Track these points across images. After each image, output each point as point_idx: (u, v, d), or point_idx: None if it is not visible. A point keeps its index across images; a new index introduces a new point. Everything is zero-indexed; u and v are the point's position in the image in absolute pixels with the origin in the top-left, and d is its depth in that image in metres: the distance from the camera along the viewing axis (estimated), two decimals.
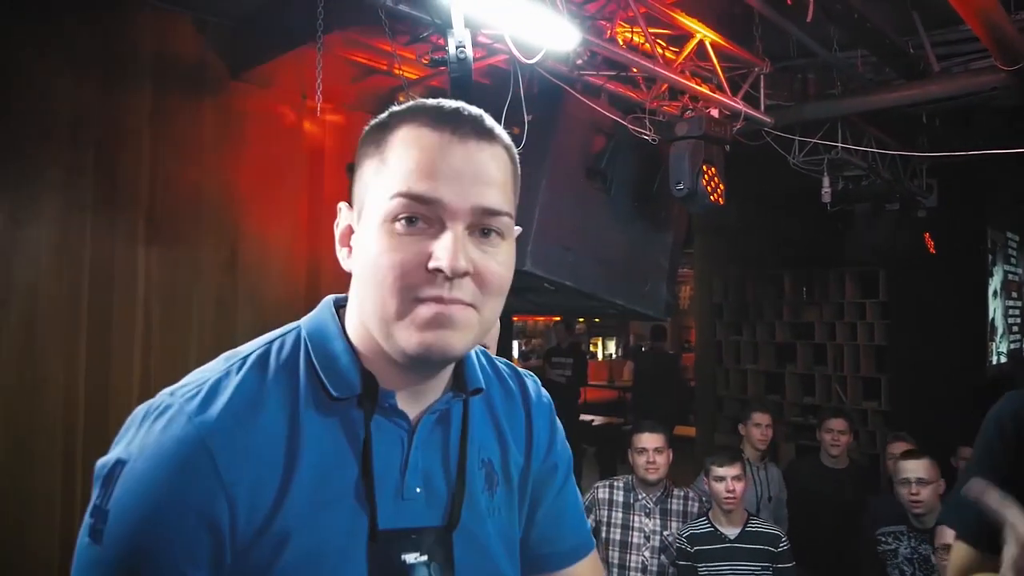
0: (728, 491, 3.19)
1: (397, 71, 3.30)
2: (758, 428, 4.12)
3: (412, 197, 0.75)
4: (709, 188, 3.01)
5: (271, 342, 0.83)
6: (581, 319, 12.34)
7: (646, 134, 3.23)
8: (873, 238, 5.00)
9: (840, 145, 4.01)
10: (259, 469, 0.74)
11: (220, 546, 0.71)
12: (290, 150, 4.17)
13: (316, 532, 0.75)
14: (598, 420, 8.97)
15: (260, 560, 0.73)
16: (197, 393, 0.76)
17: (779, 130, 3.89)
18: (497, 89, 3.00)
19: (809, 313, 7.50)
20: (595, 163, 3.32)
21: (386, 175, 0.77)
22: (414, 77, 3.67)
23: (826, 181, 4.20)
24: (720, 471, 3.22)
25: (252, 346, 0.83)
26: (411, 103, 0.81)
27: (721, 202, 3.08)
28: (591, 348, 14.72)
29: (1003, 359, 9.51)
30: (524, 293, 3.50)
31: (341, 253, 0.84)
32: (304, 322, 0.86)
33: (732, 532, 3.23)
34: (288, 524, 0.74)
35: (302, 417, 0.78)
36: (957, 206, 6.15)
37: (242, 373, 0.78)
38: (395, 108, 0.81)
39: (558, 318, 8.89)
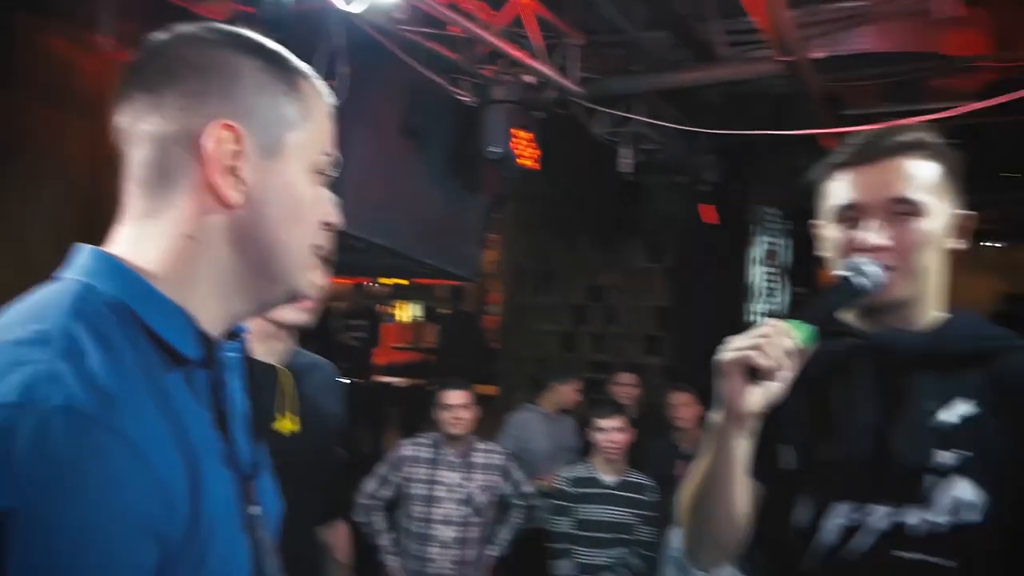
0: (609, 441, 3.45)
1: (196, 9, 3.00)
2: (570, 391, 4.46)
3: (332, 160, 0.85)
4: (522, 153, 3.08)
5: (68, 313, 0.68)
6: (383, 280, 12.22)
7: (463, 95, 3.22)
8: (663, 208, 5.41)
9: (642, 119, 4.27)
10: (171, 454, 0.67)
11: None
12: (73, 90, 3.66)
13: (213, 504, 0.71)
14: (400, 382, 9.00)
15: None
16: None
17: (588, 101, 4.06)
18: (309, 37, 2.83)
19: (603, 276, 7.99)
20: (412, 122, 3.27)
21: (312, 128, 0.83)
22: (217, 17, 3.35)
23: (626, 152, 4.47)
24: (602, 423, 3.49)
25: (45, 322, 0.67)
26: (300, 64, 0.85)
27: (536, 167, 3.17)
28: (394, 311, 14.63)
29: (758, 318, 10.81)
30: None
31: (225, 180, 0.77)
32: (93, 279, 0.73)
33: (612, 480, 3.47)
34: (203, 503, 0.69)
35: (159, 385, 0.71)
36: (731, 182, 6.85)
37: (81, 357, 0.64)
38: (289, 56, 0.84)
39: (367, 280, 8.75)
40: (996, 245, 13.56)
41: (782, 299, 12.40)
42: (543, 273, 8.23)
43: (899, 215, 1.17)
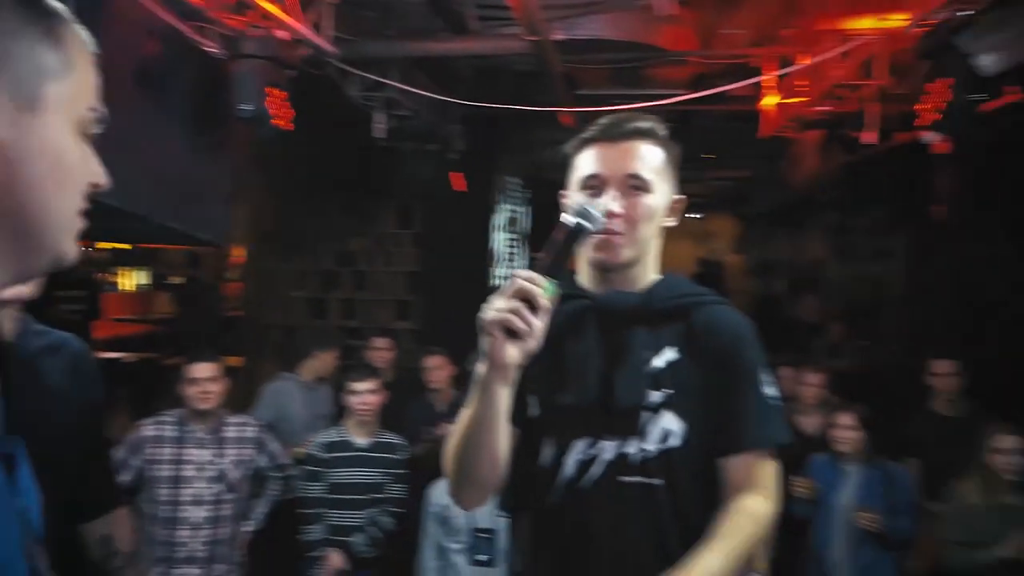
0: (361, 403, 3.46)
1: None
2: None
3: (97, 116, 0.79)
4: (275, 112, 2.95)
5: None
6: (101, 245, 10.92)
7: (210, 46, 3.00)
8: (415, 174, 5.50)
9: (395, 85, 4.28)
10: None
11: None
12: None
13: None
14: (128, 357, 8.17)
15: None
16: None
17: (341, 63, 3.98)
18: None
19: (354, 242, 7.92)
20: (148, 69, 2.97)
21: (76, 79, 0.76)
22: None
23: (379, 117, 4.46)
24: (355, 386, 3.48)
25: None
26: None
27: (290, 127, 3.05)
28: (116, 279, 13.13)
29: (500, 282, 11.46)
30: None
31: None
32: None
33: (364, 442, 3.49)
34: None
35: None
36: (478, 152, 7.13)
37: None
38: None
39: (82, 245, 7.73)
40: (696, 216, 15.76)
41: (520, 264, 13.27)
42: (291, 238, 7.93)
43: (631, 189, 1.38)
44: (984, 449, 3.13)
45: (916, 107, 2.62)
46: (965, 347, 4.49)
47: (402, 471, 3.58)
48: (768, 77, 4.80)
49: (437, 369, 4.35)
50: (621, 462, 1.38)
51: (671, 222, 1.48)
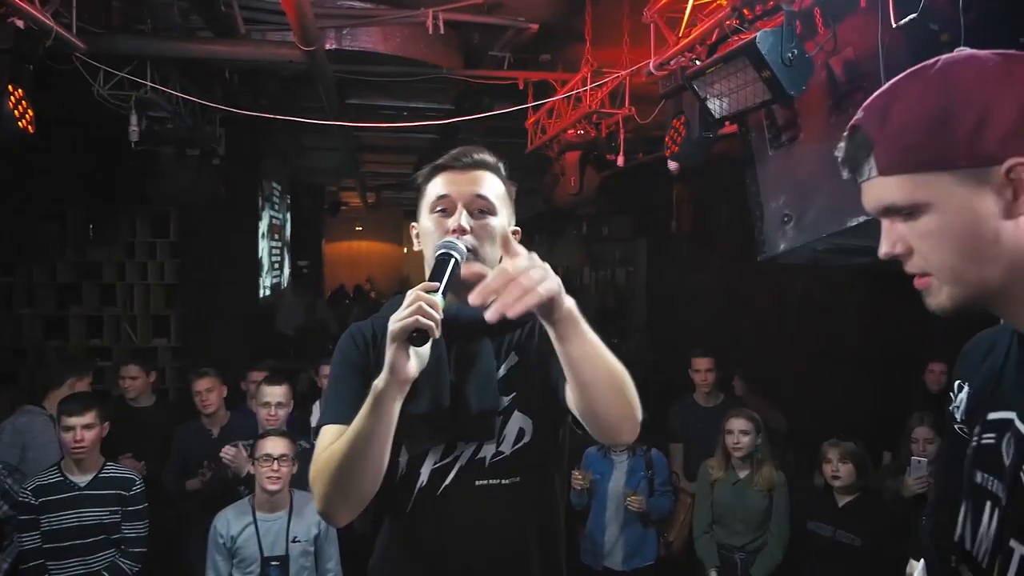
0: (76, 440, 3.06)
1: None
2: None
3: None
4: (17, 112, 2.62)
5: None
6: None
7: None
8: (176, 181, 5.11)
9: (148, 84, 3.97)
10: None
11: None
12: None
13: None
14: None
15: None
16: None
17: (88, 57, 3.62)
18: None
19: (97, 252, 7.15)
20: None
21: None
22: None
23: (133, 119, 4.10)
24: (69, 420, 3.08)
25: None
26: None
27: (31, 130, 2.72)
28: None
29: (268, 292, 10.97)
30: None
31: None
32: None
33: (83, 479, 3.11)
34: None
35: None
36: (240, 155, 6.79)
37: None
38: None
39: None
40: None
41: (283, 272, 12.79)
42: (12, 247, 6.95)
43: (478, 211, 1.48)
44: (723, 432, 3.64)
45: (665, 138, 3.01)
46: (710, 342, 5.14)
47: (138, 507, 3.19)
48: (533, 104, 5.15)
49: (208, 391, 4.00)
50: (476, 467, 1.46)
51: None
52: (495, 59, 5.48)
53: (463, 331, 1.48)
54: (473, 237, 1.45)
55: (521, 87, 5.23)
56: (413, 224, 1.60)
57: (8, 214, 6.73)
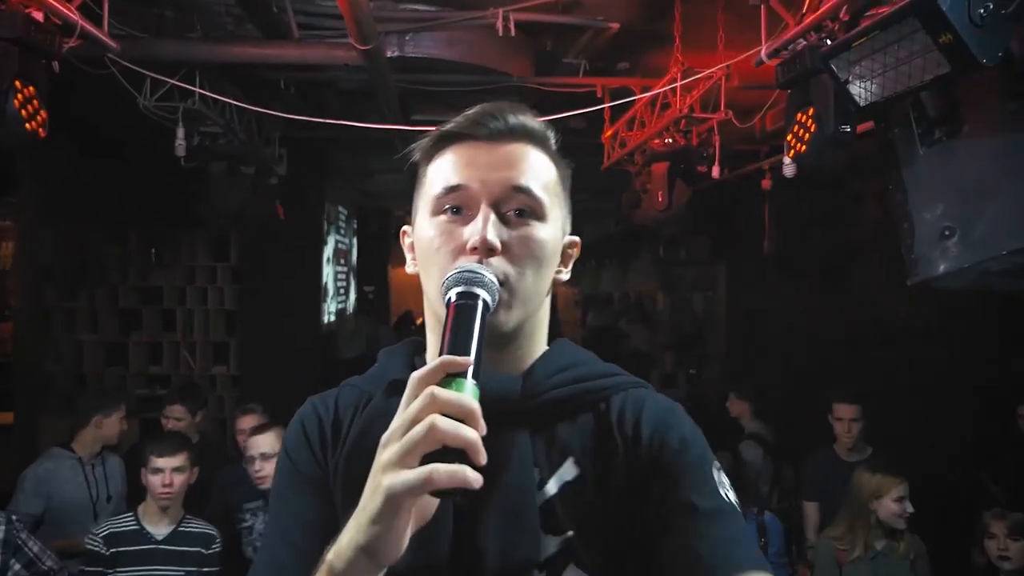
0: (164, 485, 2.77)
1: None
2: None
3: None
4: (25, 112, 2.29)
5: None
6: None
7: None
8: (228, 200, 4.82)
9: (197, 91, 3.65)
10: None
11: None
12: None
13: None
14: None
15: None
16: None
17: (129, 62, 3.32)
18: None
19: (157, 276, 6.97)
20: None
21: None
22: None
23: (180, 132, 3.80)
24: (158, 461, 2.79)
25: None
26: None
27: (41, 133, 2.39)
28: None
29: (333, 318, 10.76)
30: None
31: None
32: None
33: (162, 532, 2.80)
34: None
35: None
36: (303, 177, 6.52)
37: None
38: None
39: None
40: None
41: (349, 297, 12.61)
42: (77, 271, 6.83)
43: (516, 213, 0.92)
44: (865, 495, 2.98)
45: (787, 136, 2.49)
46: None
47: (214, 568, 2.87)
48: (603, 107, 4.68)
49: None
50: None
51: (565, 275, 1.01)
52: (569, 67, 5.04)
53: (486, 418, 0.81)
54: (506, 260, 0.89)
55: (600, 94, 4.75)
56: (405, 230, 1.03)
57: (70, 235, 6.61)
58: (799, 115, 2.41)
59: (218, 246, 6.98)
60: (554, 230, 0.95)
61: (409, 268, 1.01)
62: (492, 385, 0.85)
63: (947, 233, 2.32)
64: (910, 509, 2.85)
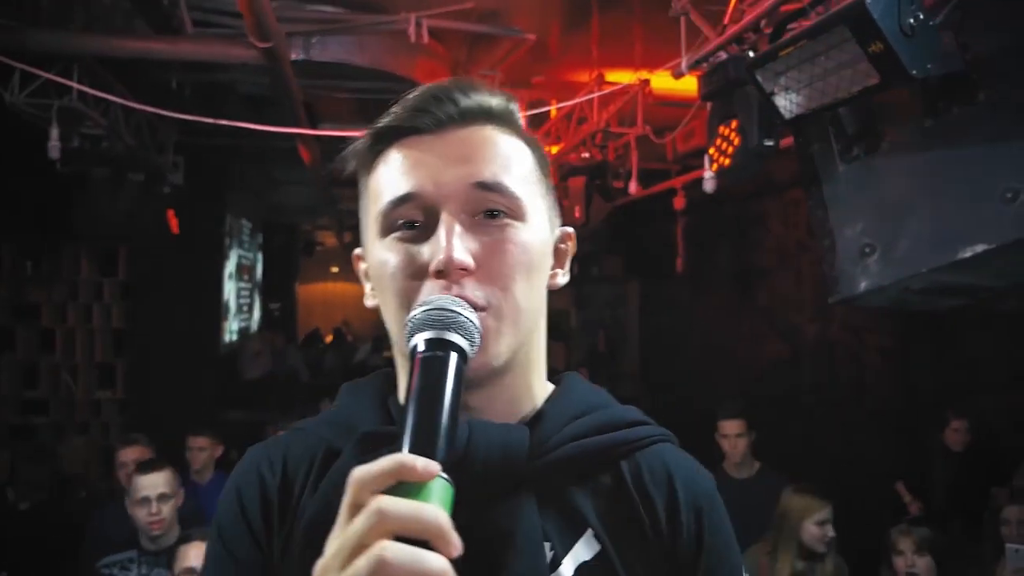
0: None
1: None
2: None
3: None
4: None
5: None
6: None
7: None
8: (113, 209, 4.43)
9: (76, 86, 3.31)
10: None
11: None
12: None
13: None
14: None
15: None
16: None
17: None
18: None
19: (35, 292, 6.38)
20: None
21: None
22: None
23: (55, 133, 3.43)
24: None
25: None
26: None
27: None
28: None
29: (234, 337, 10.22)
30: None
31: None
32: None
33: None
34: None
35: None
36: (201, 187, 6.13)
37: None
38: None
39: None
40: None
41: (253, 314, 12.06)
42: None
43: (488, 215, 0.73)
44: (787, 518, 2.92)
45: (709, 149, 2.42)
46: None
47: None
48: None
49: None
50: None
51: (563, 277, 0.83)
52: (484, 79, 4.93)
53: (482, 480, 0.69)
54: (484, 279, 0.71)
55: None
56: (357, 253, 0.83)
57: None
58: (722, 128, 2.35)
59: (105, 260, 6.45)
60: (539, 227, 0.76)
61: (368, 301, 0.81)
62: (492, 438, 0.70)
63: (867, 251, 2.29)
64: (831, 533, 2.81)
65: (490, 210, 0.73)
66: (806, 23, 2.02)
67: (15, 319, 6.32)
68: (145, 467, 2.78)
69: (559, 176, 4.45)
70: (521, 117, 0.81)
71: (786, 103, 2.01)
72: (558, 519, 0.73)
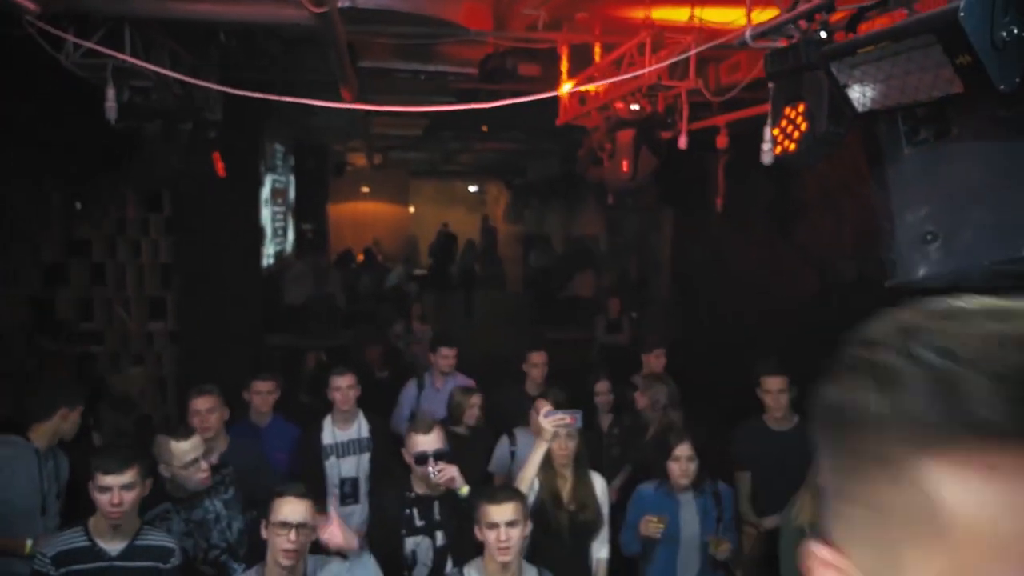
0: (113, 504, 2.52)
1: None
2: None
3: None
4: None
5: None
6: None
7: None
8: (165, 163, 4.47)
9: (127, 58, 3.30)
10: None
11: None
12: None
13: None
14: None
15: None
16: None
17: (48, 21, 2.97)
18: None
19: (85, 228, 6.53)
20: None
21: None
22: None
23: (111, 94, 3.45)
24: (106, 480, 2.53)
25: None
26: None
27: None
28: None
29: (272, 260, 10.38)
30: None
31: None
32: None
33: (116, 547, 2.60)
34: None
35: None
36: (238, 120, 6.11)
37: None
38: None
39: None
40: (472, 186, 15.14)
41: (287, 237, 12.15)
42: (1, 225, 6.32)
43: None
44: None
45: (772, 129, 2.39)
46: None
47: None
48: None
49: (209, 412, 3.39)
50: None
51: None
52: (526, 19, 4.79)
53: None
54: None
55: (560, 53, 4.55)
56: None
57: None
58: (787, 109, 2.32)
59: (149, 197, 6.55)
60: None
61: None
62: None
63: (929, 238, 2.29)
64: None
65: None
66: (883, 20, 1.96)
67: (68, 254, 6.50)
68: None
69: (607, 127, 4.39)
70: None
71: (860, 96, 1.98)
72: None
